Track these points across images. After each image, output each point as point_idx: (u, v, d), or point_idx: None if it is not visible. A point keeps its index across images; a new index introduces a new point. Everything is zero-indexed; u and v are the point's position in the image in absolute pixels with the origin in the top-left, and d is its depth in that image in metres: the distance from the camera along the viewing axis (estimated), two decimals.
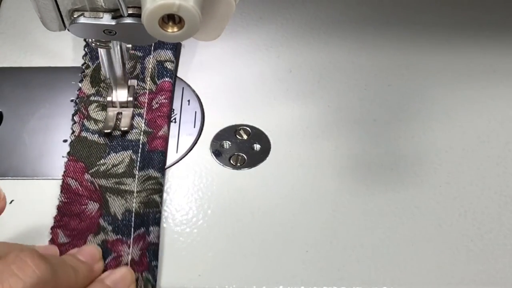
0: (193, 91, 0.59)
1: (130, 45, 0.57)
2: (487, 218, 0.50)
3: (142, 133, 0.55)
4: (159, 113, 0.56)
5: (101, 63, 0.53)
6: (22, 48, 0.63)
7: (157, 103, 0.57)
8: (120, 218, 0.50)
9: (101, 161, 0.53)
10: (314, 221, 0.50)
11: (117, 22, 0.44)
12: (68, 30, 0.46)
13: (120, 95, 0.56)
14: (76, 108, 0.57)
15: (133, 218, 0.50)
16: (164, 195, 0.52)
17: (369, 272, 0.47)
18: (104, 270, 0.46)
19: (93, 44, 0.50)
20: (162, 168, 0.53)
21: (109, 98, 0.56)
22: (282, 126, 0.56)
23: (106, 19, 0.44)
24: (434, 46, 0.63)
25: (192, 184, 0.53)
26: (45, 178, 0.53)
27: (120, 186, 0.52)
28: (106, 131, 0.54)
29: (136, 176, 0.52)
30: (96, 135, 0.55)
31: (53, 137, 0.56)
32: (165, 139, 0.55)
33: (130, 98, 0.56)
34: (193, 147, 0.55)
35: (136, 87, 0.57)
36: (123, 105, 0.56)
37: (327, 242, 0.49)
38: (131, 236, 0.49)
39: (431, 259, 0.48)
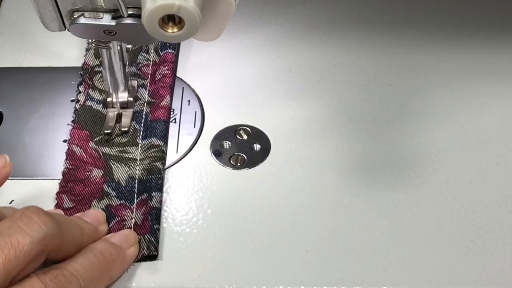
0: (193, 91, 0.59)
1: (130, 46, 0.57)
2: (487, 218, 0.50)
3: (145, 103, 0.57)
4: (162, 84, 0.58)
5: (101, 63, 0.53)
6: (22, 48, 0.63)
7: (160, 74, 0.59)
8: (123, 184, 0.51)
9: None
10: (314, 221, 0.50)
11: (117, 22, 0.44)
12: (68, 30, 0.46)
13: (120, 95, 0.56)
14: (81, 79, 0.59)
15: (136, 185, 0.51)
16: (164, 195, 0.52)
17: (369, 272, 0.47)
18: (108, 234, 0.48)
19: (93, 45, 0.50)
20: (164, 137, 0.55)
21: (109, 99, 0.56)
22: (282, 126, 0.57)
23: (106, 20, 0.44)
24: (434, 46, 0.63)
25: (192, 184, 0.53)
26: (45, 178, 0.53)
27: (123, 154, 0.54)
28: (106, 131, 0.54)
29: (139, 145, 0.54)
30: (101, 105, 0.57)
31: (53, 137, 0.56)
32: (168, 108, 0.57)
33: (130, 99, 0.56)
34: (193, 147, 0.55)
35: (136, 88, 0.58)
36: (123, 105, 0.56)
37: (327, 242, 0.49)
38: (134, 201, 0.50)
39: (431, 259, 0.48)
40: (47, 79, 0.60)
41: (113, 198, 0.51)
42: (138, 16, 0.43)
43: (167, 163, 0.54)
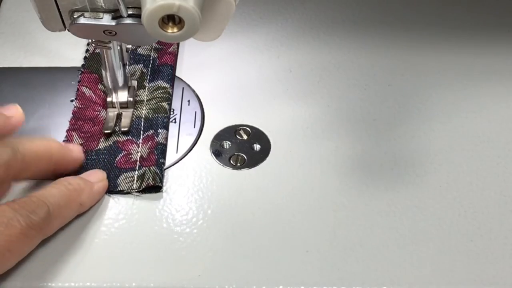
0: (193, 91, 0.59)
1: (130, 46, 0.57)
2: (487, 218, 0.50)
3: (152, 49, 0.60)
4: None
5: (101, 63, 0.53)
6: (22, 48, 0.63)
7: None
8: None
9: None
10: (314, 221, 0.50)
11: (117, 22, 0.44)
12: (68, 30, 0.46)
13: (120, 95, 0.56)
14: None
15: (142, 122, 0.55)
16: (164, 195, 0.52)
17: (369, 272, 0.47)
18: (116, 166, 0.52)
19: (93, 45, 0.50)
20: (171, 80, 0.59)
21: (109, 99, 0.56)
22: (282, 126, 0.57)
23: (106, 20, 0.44)
24: (434, 46, 0.63)
25: (192, 184, 0.53)
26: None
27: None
28: (106, 131, 0.54)
29: (146, 87, 0.57)
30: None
31: (53, 137, 0.55)
32: (175, 54, 0.61)
33: (130, 99, 0.56)
34: (193, 147, 0.55)
35: (136, 88, 0.58)
36: (123, 105, 0.56)
37: (327, 242, 0.49)
38: (140, 137, 0.54)
39: (431, 259, 0.48)
40: (47, 79, 0.60)
41: (120, 135, 0.54)
42: (138, 16, 0.43)
43: (167, 164, 0.54)
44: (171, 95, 0.58)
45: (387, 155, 0.55)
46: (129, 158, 0.52)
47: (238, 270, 0.47)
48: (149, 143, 0.53)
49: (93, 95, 0.57)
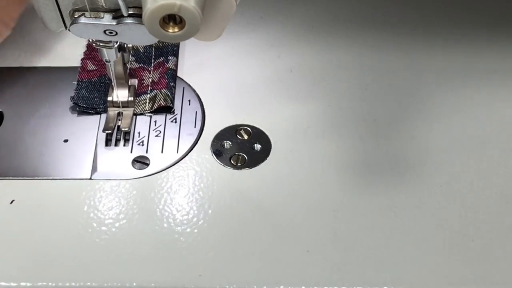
0: (194, 91, 0.59)
1: (130, 45, 0.57)
2: (487, 218, 0.50)
3: None
4: None
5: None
6: (22, 48, 0.63)
7: None
8: (142, 51, 0.60)
9: None
10: (314, 221, 0.50)
11: (118, 22, 0.44)
12: (69, 30, 0.46)
13: (121, 95, 0.56)
14: None
15: (153, 50, 0.59)
16: (165, 195, 0.52)
17: (369, 272, 0.47)
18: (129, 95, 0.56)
19: (94, 44, 0.50)
20: None
21: (109, 98, 0.56)
22: (283, 126, 0.57)
23: (107, 19, 0.44)
24: (434, 46, 0.63)
25: (192, 184, 0.53)
26: (45, 178, 0.53)
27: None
28: (106, 131, 0.54)
29: None
30: None
31: (53, 137, 0.56)
32: None
33: (131, 98, 0.56)
34: (193, 147, 0.55)
35: (136, 87, 0.58)
36: (124, 105, 0.56)
37: (327, 242, 0.49)
38: (152, 64, 0.59)
39: (431, 259, 0.48)
40: (47, 79, 0.60)
41: (132, 63, 0.58)
42: (139, 16, 0.43)
43: (167, 164, 0.54)
44: None
45: (387, 155, 0.55)
46: (141, 83, 0.57)
47: (239, 270, 0.47)
48: (160, 69, 0.58)
49: None
